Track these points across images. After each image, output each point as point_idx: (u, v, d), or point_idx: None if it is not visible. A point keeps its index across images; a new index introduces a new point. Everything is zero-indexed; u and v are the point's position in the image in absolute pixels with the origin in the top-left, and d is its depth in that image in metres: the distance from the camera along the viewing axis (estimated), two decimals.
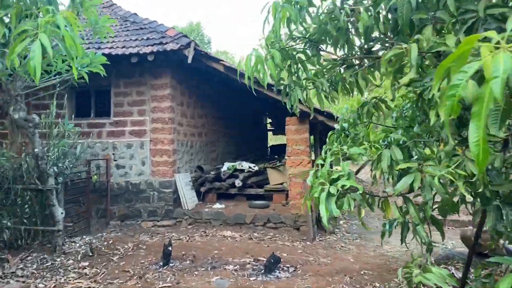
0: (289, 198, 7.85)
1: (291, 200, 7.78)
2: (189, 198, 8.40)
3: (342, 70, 3.97)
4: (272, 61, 3.53)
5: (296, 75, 3.89)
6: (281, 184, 8.78)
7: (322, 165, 3.76)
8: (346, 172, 3.24)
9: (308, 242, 7.30)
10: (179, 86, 8.69)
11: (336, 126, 5.39)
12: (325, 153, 3.85)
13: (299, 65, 3.96)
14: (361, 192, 3.16)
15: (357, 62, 3.89)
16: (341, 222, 9.30)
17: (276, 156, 14.89)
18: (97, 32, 6.00)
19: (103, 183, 8.39)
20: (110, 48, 7.79)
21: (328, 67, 3.83)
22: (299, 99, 3.99)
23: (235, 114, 12.31)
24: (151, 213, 8.33)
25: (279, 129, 16.17)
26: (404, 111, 4.62)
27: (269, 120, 16.46)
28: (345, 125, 5.19)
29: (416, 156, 3.33)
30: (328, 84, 3.66)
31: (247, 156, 11.37)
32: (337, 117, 7.29)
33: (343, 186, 3.21)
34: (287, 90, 3.91)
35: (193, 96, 9.44)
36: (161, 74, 8.23)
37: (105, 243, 6.95)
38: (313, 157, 9.19)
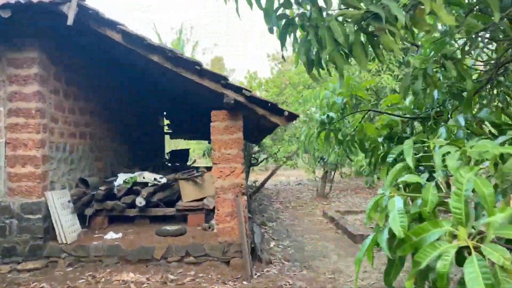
0: (216, 220, 5.75)
1: (218, 223, 5.70)
2: (68, 226, 5.82)
3: None
4: None
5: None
6: (200, 200, 6.65)
7: (403, 185, 1.85)
8: None
9: (245, 282, 5.29)
10: (53, 66, 6.06)
11: (318, 116, 3.48)
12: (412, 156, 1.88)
13: None
14: None
15: None
16: (271, 244, 7.47)
17: (177, 164, 12.63)
18: None
19: None
20: None
21: None
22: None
23: (130, 112, 9.77)
24: (8, 251, 5.54)
25: (178, 132, 13.93)
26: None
27: (166, 122, 14.08)
28: (333, 115, 3.32)
29: None
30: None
31: (146, 165, 8.97)
32: (284, 111, 5.45)
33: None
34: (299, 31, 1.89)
35: (75, 83, 6.82)
36: (26, 45, 5.56)
37: None
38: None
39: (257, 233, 6.30)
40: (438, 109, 3.11)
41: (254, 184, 13.18)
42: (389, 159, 1.70)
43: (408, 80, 2.29)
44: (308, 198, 14.43)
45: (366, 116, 3.62)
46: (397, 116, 3.20)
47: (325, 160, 12.34)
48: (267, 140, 13.16)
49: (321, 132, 3.39)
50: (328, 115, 3.29)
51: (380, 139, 3.49)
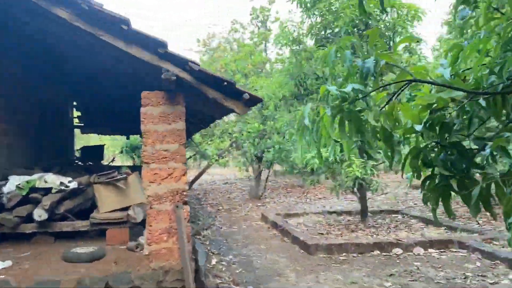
0: (148, 239, 4.27)
1: (151, 243, 4.24)
2: None
3: None
4: None
5: None
6: (123, 210, 5.11)
7: None
8: None
9: None
10: None
11: (335, 90, 2.14)
12: None
13: None
14: None
15: None
16: (213, 261, 6.12)
17: (90, 163, 10.71)
18: None
19: None
20: None
21: None
22: None
23: (31, 99, 7.76)
24: None
25: (92, 126, 11.98)
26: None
27: (77, 113, 11.98)
28: (359, 87, 2.03)
29: None
30: None
31: (50, 164, 7.13)
32: (244, 93, 4.14)
33: None
34: None
35: None
36: None
37: None
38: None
39: (200, 252, 4.94)
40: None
41: None
42: None
43: None
44: (239, 199, 13.27)
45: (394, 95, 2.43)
46: (463, 90, 2.05)
47: (261, 157, 11.22)
48: (196, 135, 11.72)
49: (337, 114, 2.15)
50: (353, 88, 2.05)
51: (418, 127, 2.34)
